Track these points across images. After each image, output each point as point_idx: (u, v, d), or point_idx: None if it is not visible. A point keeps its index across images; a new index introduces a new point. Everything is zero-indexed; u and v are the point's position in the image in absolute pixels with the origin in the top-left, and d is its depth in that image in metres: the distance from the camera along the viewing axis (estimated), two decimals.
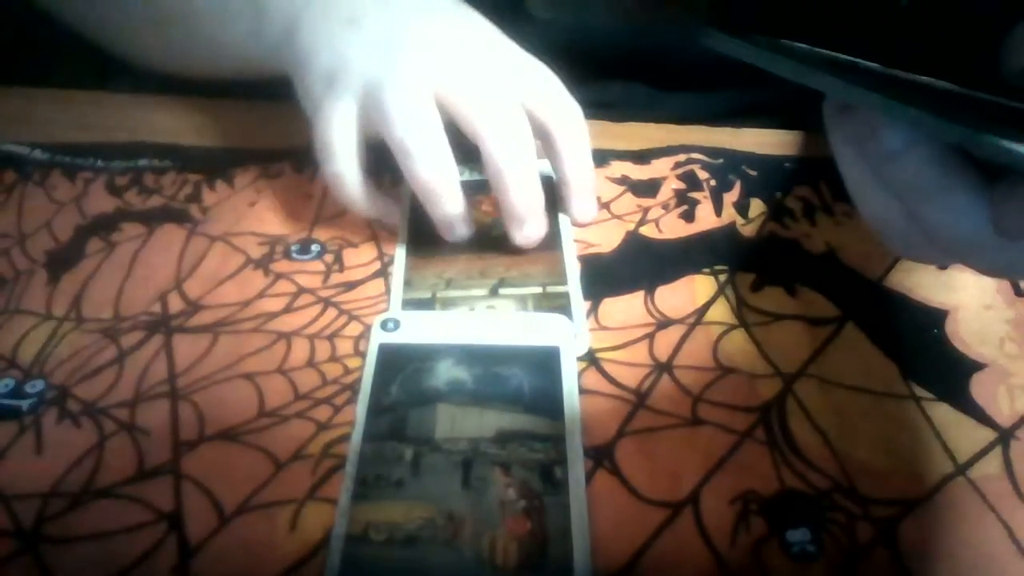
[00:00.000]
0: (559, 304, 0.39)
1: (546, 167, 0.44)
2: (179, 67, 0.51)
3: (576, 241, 0.43)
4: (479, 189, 0.45)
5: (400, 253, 0.43)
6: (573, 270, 0.41)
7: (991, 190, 0.22)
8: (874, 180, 0.25)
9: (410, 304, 0.40)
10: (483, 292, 0.40)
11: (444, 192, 0.39)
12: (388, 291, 0.41)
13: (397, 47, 0.39)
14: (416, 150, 0.38)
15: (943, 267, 0.41)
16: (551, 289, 0.40)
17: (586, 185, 0.43)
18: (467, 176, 0.45)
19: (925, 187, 0.23)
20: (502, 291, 0.40)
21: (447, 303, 0.40)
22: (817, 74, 0.22)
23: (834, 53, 0.27)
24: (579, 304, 0.40)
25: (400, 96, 0.38)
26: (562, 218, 0.44)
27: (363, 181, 0.41)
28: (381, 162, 0.40)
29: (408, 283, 0.41)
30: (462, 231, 0.42)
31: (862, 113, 0.24)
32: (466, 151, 0.39)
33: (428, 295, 0.40)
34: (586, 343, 0.38)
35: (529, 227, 0.41)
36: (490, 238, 0.43)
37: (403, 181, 0.41)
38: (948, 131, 0.20)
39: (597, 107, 0.46)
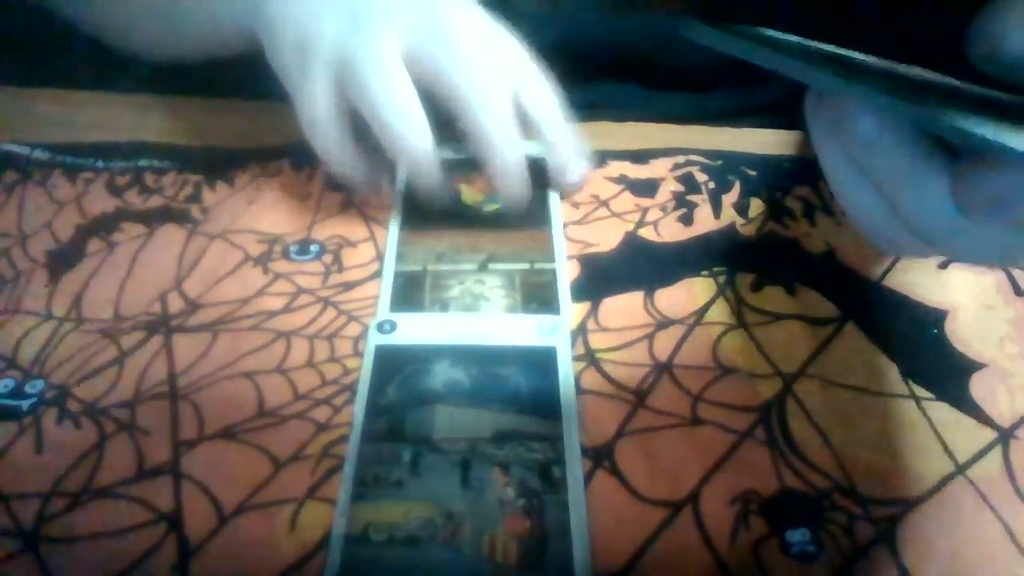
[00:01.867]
0: (545, 280, 0.40)
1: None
2: (159, 46, 0.51)
3: (575, 241, 0.43)
4: (470, 166, 0.45)
5: (393, 227, 0.43)
6: (560, 248, 0.42)
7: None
8: (852, 170, 0.25)
9: (402, 276, 0.41)
10: (472, 267, 0.41)
11: (423, 162, 0.40)
12: (380, 262, 0.42)
13: (365, 14, 0.40)
14: (394, 122, 0.38)
15: (942, 267, 0.41)
16: (538, 266, 0.41)
17: (569, 147, 0.43)
18: (459, 153, 0.46)
19: (899, 173, 0.23)
20: (491, 266, 0.41)
21: (437, 276, 0.40)
22: (789, 61, 0.22)
23: (819, 44, 0.27)
24: (564, 282, 0.40)
25: (374, 68, 0.38)
26: (552, 196, 0.45)
27: (352, 151, 0.41)
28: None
29: (400, 256, 0.42)
30: (442, 199, 0.42)
31: (838, 102, 0.24)
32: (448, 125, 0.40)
33: (419, 268, 0.41)
34: (569, 320, 0.38)
35: (513, 186, 0.41)
36: (481, 215, 0.44)
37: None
38: (908, 112, 0.21)
39: (590, 108, 0.45)
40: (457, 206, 0.45)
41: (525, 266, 0.41)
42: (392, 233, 0.43)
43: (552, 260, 0.41)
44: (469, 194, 0.44)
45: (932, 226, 0.24)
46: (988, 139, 0.19)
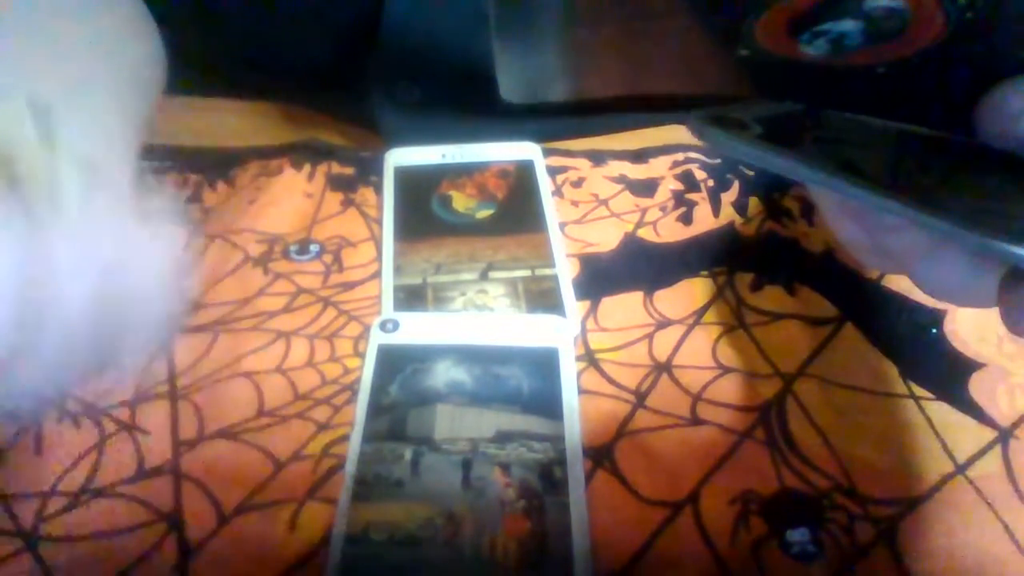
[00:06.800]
0: (548, 287, 0.40)
1: (512, 152, 0.45)
2: None
3: (574, 240, 0.43)
4: (463, 171, 0.45)
5: (388, 239, 0.43)
6: (560, 251, 0.42)
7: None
8: (868, 242, 0.25)
9: (402, 290, 0.40)
10: (473, 276, 0.41)
11: None
12: (380, 262, 0.42)
13: None
14: None
15: None
16: (540, 272, 0.41)
17: None
18: (448, 159, 0.46)
19: (919, 252, 0.23)
20: (491, 275, 0.41)
21: (438, 288, 0.40)
22: (818, 173, 0.21)
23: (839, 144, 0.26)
24: (568, 286, 0.40)
25: None
26: (546, 200, 0.45)
27: None
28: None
29: (398, 269, 0.41)
30: None
31: None
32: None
33: (419, 280, 0.41)
34: (577, 325, 0.38)
35: None
36: (475, 221, 0.43)
37: (384, 173, 0.43)
38: (964, 239, 0.20)
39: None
40: (450, 213, 0.45)
41: (527, 273, 0.41)
42: (387, 245, 0.43)
43: (553, 265, 0.41)
44: (460, 200, 0.44)
45: (944, 292, 0.24)
46: None
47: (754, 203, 0.46)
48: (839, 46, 0.38)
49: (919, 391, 0.36)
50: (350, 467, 0.32)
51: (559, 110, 0.47)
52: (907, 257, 0.24)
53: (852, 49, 0.38)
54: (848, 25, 0.37)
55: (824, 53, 0.38)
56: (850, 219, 0.25)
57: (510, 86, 0.45)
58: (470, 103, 0.46)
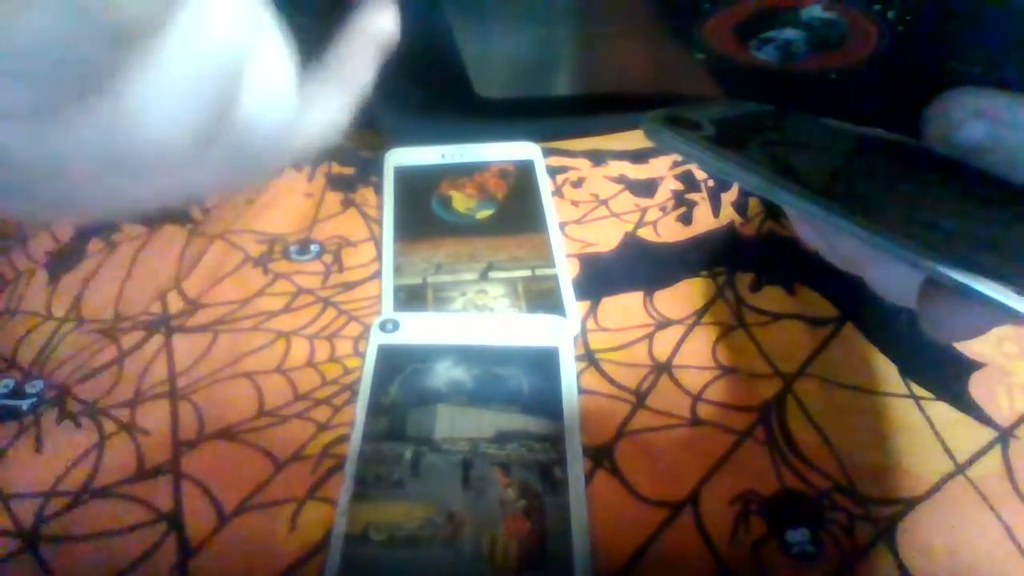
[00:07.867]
0: (548, 287, 0.40)
1: (512, 152, 0.46)
2: None
3: (574, 240, 0.43)
4: (463, 171, 0.45)
5: (388, 239, 0.43)
6: (560, 251, 0.42)
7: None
8: (825, 245, 0.25)
9: (402, 290, 0.40)
10: (473, 276, 0.41)
11: None
12: (380, 262, 0.42)
13: None
14: None
15: None
16: (540, 272, 0.41)
17: None
18: (448, 159, 0.46)
19: (867, 255, 0.23)
20: (492, 275, 0.41)
21: (439, 288, 0.40)
22: (753, 179, 0.21)
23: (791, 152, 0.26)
24: (568, 286, 0.40)
25: None
26: (546, 200, 0.45)
27: None
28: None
29: (398, 269, 0.41)
30: None
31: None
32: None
33: (419, 280, 0.41)
34: (577, 325, 0.38)
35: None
36: (475, 221, 0.44)
37: (384, 173, 0.43)
38: (882, 247, 0.20)
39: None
40: (450, 213, 0.45)
41: (527, 273, 0.41)
42: (387, 245, 0.43)
43: (553, 265, 0.41)
44: (460, 200, 0.44)
45: (890, 296, 0.24)
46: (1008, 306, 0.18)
47: (754, 203, 0.46)
48: (788, 53, 0.39)
49: (919, 391, 0.36)
50: (350, 467, 0.32)
51: (541, 106, 0.48)
52: (858, 260, 0.24)
53: (800, 57, 0.39)
54: (792, 34, 0.38)
55: (775, 59, 0.39)
56: (804, 223, 0.25)
57: (484, 81, 0.45)
58: (466, 102, 0.46)
